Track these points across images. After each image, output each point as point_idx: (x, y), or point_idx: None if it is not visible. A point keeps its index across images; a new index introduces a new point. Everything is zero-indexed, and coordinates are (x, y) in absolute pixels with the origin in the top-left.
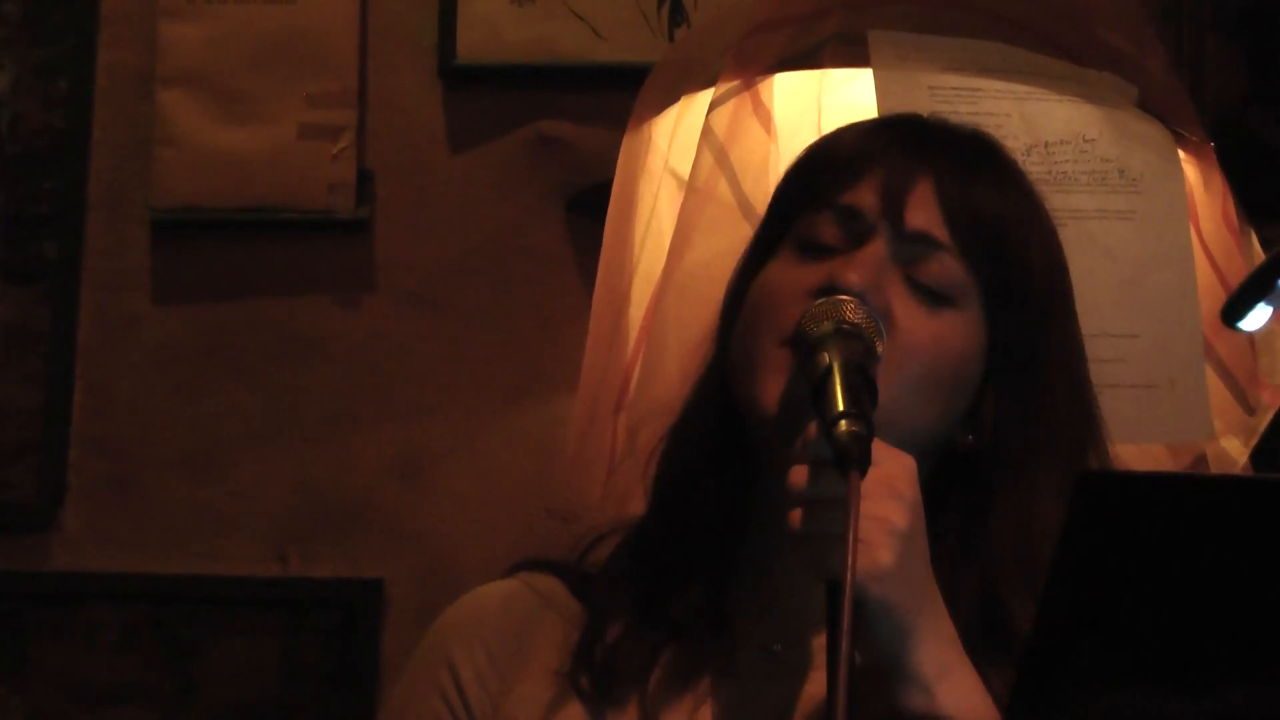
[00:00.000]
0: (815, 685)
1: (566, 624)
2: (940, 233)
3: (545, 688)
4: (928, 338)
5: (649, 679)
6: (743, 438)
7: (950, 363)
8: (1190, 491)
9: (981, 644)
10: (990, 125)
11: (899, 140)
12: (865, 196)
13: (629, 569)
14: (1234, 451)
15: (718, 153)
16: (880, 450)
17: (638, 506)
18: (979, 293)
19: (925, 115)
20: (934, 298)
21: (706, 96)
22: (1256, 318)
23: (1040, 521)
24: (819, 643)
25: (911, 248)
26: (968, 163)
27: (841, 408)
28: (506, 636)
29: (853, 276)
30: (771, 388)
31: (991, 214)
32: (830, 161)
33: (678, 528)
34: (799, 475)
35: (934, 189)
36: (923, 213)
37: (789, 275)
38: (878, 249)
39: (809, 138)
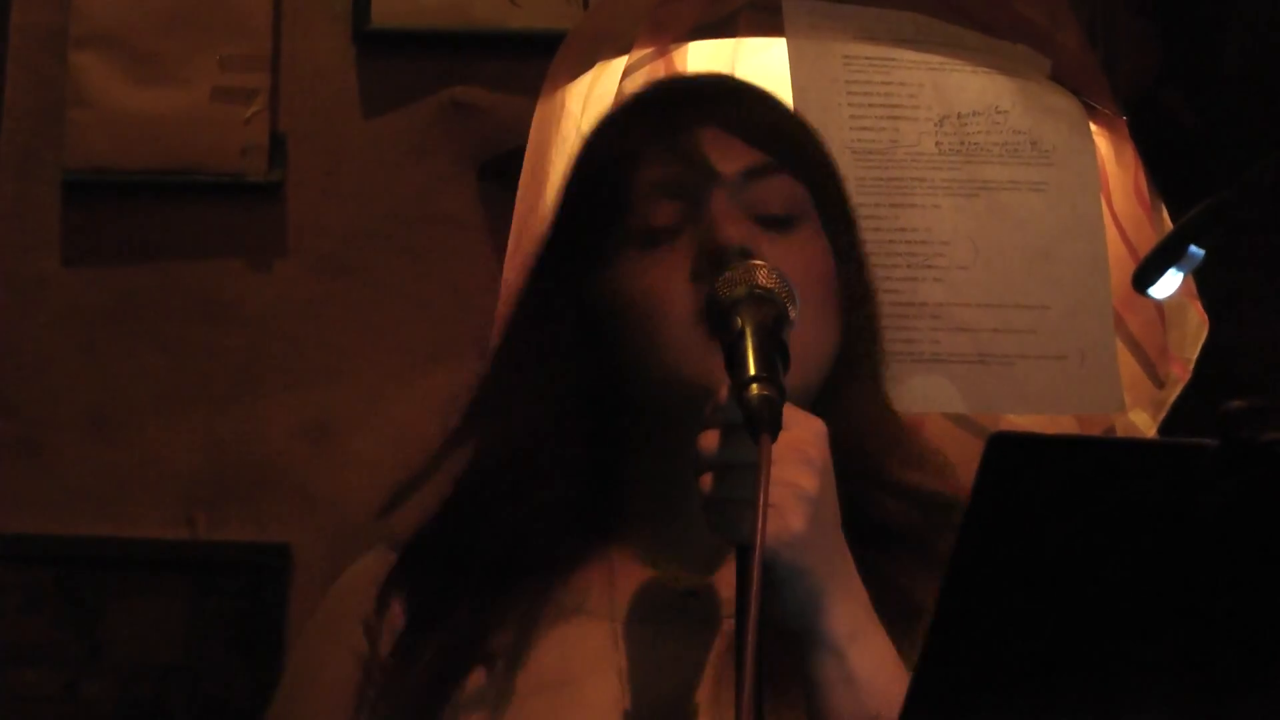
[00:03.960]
0: (725, 636)
1: None
2: (750, 159)
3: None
4: (799, 265)
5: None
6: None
7: (822, 279)
8: (1096, 454)
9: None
10: (903, 95)
11: (666, 105)
12: (671, 170)
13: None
14: (1143, 425)
15: None
16: (791, 415)
17: None
18: (812, 200)
19: (665, 79)
20: (781, 223)
21: (621, 64)
22: (1168, 284)
23: (883, 423)
24: (723, 588)
25: (741, 186)
26: (732, 91)
27: (753, 371)
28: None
29: (728, 233)
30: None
31: (775, 121)
32: (620, 157)
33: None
34: (710, 439)
35: (720, 129)
36: (727, 153)
37: (655, 273)
38: (719, 201)
39: None
